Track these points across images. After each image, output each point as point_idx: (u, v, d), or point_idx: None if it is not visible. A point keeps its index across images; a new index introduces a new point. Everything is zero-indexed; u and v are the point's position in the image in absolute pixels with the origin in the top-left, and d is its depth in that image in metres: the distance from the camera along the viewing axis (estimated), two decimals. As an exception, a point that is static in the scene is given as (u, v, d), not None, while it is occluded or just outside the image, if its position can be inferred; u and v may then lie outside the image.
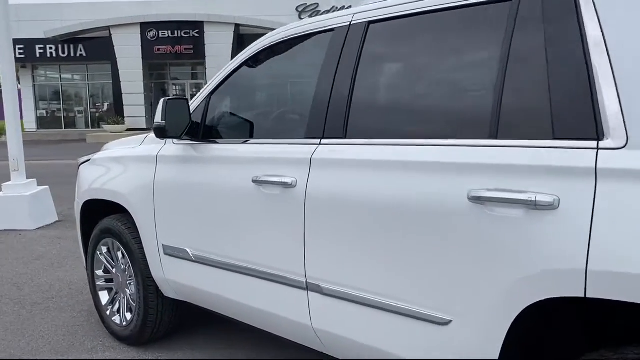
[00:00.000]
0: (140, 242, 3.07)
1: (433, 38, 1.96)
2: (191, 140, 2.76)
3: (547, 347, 1.73)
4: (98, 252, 3.46)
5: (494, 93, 1.72)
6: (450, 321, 1.75)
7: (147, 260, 3.05)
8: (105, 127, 26.03)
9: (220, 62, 25.65)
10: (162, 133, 2.63)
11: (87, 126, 28.69)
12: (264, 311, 2.42)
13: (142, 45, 25.93)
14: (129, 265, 3.22)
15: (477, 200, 1.65)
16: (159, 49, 26.01)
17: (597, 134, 1.49)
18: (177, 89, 28.98)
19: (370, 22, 2.14)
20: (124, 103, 26.56)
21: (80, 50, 26.90)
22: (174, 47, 26.00)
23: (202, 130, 2.74)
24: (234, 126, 2.77)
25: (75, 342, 3.40)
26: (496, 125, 1.70)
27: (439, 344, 1.80)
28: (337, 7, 24.44)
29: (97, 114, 28.89)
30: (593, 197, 1.44)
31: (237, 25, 25.75)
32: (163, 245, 2.89)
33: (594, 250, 1.42)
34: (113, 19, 25.57)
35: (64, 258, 5.28)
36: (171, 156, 2.85)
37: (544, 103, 1.60)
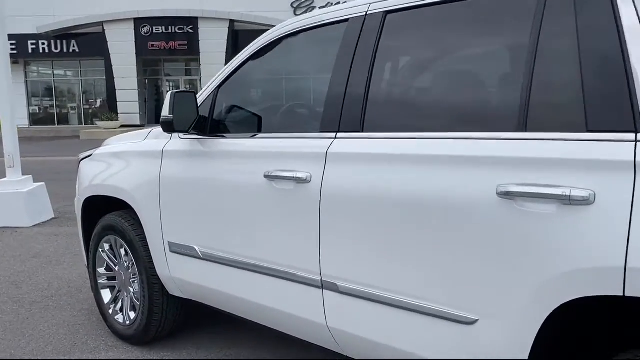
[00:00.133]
0: (145, 240, 3.00)
1: (455, 27, 1.90)
2: (198, 134, 2.69)
3: (578, 346, 1.68)
4: (100, 250, 3.38)
5: (522, 84, 1.66)
6: (476, 320, 1.69)
7: (151, 258, 2.97)
8: (99, 123, 25.82)
9: (214, 58, 25.51)
10: (169, 127, 2.55)
11: (80, 123, 28.45)
12: (276, 310, 2.36)
13: (135, 41, 25.74)
14: (133, 263, 3.14)
15: (506, 195, 1.59)
16: (152, 45, 25.83)
17: (635, 125, 1.43)
18: (171, 85, 28.81)
19: (387, 12, 2.07)
20: (117, 99, 26.36)
21: (73, 46, 26.66)
22: (168, 43, 25.83)
23: (210, 125, 2.67)
24: (243, 120, 2.69)
25: (77, 341, 3.32)
26: (525, 118, 1.64)
27: (464, 343, 1.74)
28: (332, 2, 24.37)
29: (91, 111, 28.65)
30: (632, 191, 1.39)
31: (231, 21, 25.61)
32: (169, 242, 2.82)
33: (633, 246, 1.36)
34: (106, 14, 25.31)
35: (61, 255, 5.19)
36: (178, 151, 2.78)
37: (576, 94, 1.55)
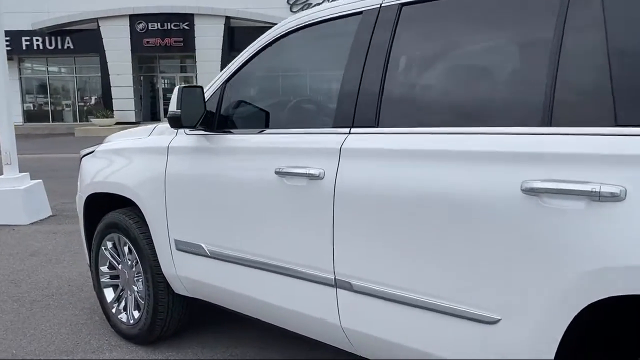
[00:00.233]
0: (150, 237, 2.94)
1: (475, 19, 1.84)
2: (205, 130, 2.63)
3: (606, 347, 1.64)
4: (103, 248, 3.32)
5: (547, 77, 1.61)
6: (499, 320, 1.65)
7: (156, 256, 2.92)
8: (94, 120, 25.67)
9: (210, 55, 25.41)
10: (177, 122, 2.49)
11: (75, 120, 28.27)
12: (287, 309, 2.31)
13: (131, 38, 25.60)
14: (137, 261, 3.09)
15: (531, 191, 1.55)
16: (148, 42, 25.69)
17: None
18: (166, 82, 28.67)
19: (403, 4, 2.02)
20: (112, 96, 26.20)
21: (68, 43, 26.48)
22: (163, 39, 25.70)
23: (217, 120, 2.61)
24: (251, 116, 2.64)
25: (80, 341, 3.27)
26: (549, 112, 1.60)
27: (484, 343, 1.70)
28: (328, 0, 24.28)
29: (86, 108, 28.48)
30: None
31: (227, 18, 25.49)
32: (175, 240, 2.77)
33: None
34: (101, 10, 25.16)
35: (60, 253, 5.12)
36: (184, 147, 2.72)
37: (604, 87, 1.50)
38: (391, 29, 2.02)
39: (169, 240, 2.80)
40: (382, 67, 2.01)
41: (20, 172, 6.69)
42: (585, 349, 1.63)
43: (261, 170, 2.31)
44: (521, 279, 1.59)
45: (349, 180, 2.01)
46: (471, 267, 1.69)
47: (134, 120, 26.18)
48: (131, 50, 25.76)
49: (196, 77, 26.57)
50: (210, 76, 25.63)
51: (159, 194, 2.79)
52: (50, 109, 28.56)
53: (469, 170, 1.70)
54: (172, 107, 2.47)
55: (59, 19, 25.37)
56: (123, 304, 3.29)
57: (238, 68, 2.59)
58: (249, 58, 2.55)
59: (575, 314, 1.49)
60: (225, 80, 2.63)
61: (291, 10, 25.66)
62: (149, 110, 28.40)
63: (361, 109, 2.05)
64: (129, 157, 3.05)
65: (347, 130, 2.09)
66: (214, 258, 2.57)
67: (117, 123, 25.25)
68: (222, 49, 25.57)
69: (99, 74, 26.68)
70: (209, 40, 25.47)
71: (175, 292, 2.96)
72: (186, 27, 25.60)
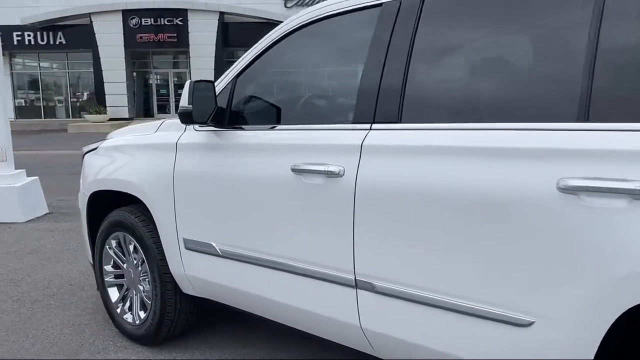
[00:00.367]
0: (157, 236, 2.87)
1: (506, 8, 1.77)
2: (215, 126, 2.56)
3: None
4: (107, 247, 3.25)
5: (584, 70, 1.55)
6: (532, 323, 1.59)
7: (164, 255, 2.85)
8: (87, 116, 25.44)
9: (204, 50, 25.24)
10: (188, 118, 2.42)
11: (67, 116, 28.00)
12: (303, 310, 2.25)
13: (124, 33, 25.37)
14: (143, 260, 3.01)
15: (568, 189, 1.49)
16: (141, 37, 25.47)
17: None
18: (159, 78, 28.46)
19: None
20: (105, 92, 25.96)
21: (60, 38, 26.22)
22: (157, 35, 25.49)
23: (228, 116, 2.54)
24: (264, 111, 2.56)
25: (84, 342, 3.19)
26: (586, 107, 1.54)
27: (517, 346, 1.64)
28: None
29: (78, 104, 28.22)
30: None
31: (221, 13, 25.31)
32: (184, 239, 2.69)
33: None
34: (94, 5, 24.91)
35: (59, 252, 5.04)
36: (194, 144, 2.65)
37: None
38: (414, 20, 1.95)
39: (178, 239, 2.73)
40: (404, 60, 1.95)
41: (15, 168, 6.58)
42: (631, 353, 1.58)
43: (276, 167, 2.24)
44: (556, 280, 1.53)
45: (371, 178, 1.94)
46: (503, 267, 1.64)
47: (127, 116, 25.98)
48: (124, 45, 25.53)
49: (190, 72, 26.39)
50: (205, 72, 25.32)
51: (167, 191, 2.72)
52: (42, 105, 28.27)
53: (501, 167, 1.64)
54: (183, 102, 2.39)
55: (51, 14, 25.09)
56: (128, 304, 3.21)
57: (249, 62, 2.51)
58: (261, 52, 2.48)
59: (615, 318, 1.43)
60: (236, 75, 2.56)
61: (285, 6, 25.54)
62: (142, 106, 28.18)
63: (383, 104, 1.98)
64: (135, 153, 2.97)
65: (367, 126, 2.02)
66: (226, 257, 2.50)
67: (110, 119, 25.06)
68: (216, 45, 25.40)
69: (92, 70, 26.43)
70: (202, 35, 25.29)
71: (183, 291, 2.89)
72: (180, 23, 25.40)
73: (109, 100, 25.92)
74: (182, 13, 25.27)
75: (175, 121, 2.93)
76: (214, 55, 25.39)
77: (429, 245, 1.80)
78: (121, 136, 3.29)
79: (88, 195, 3.28)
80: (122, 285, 3.25)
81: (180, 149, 2.69)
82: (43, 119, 27.64)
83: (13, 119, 26.81)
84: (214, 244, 2.54)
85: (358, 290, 2.02)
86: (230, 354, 3.00)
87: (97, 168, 3.22)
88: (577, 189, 1.48)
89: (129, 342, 3.16)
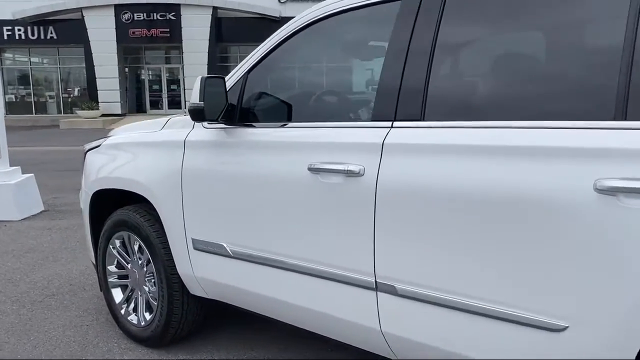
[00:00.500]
0: (163, 236, 2.80)
1: (539, 1, 1.71)
2: (226, 123, 2.49)
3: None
4: (111, 246, 3.17)
5: (621, 66, 1.50)
6: (566, 327, 1.54)
7: (171, 256, 2.77)
8: (79, 112, 25.19)
9: (197, 46, 25.05)
10: (199, 115, 2.34)
11: (59, 112, 27.73)
12: (320, 312, 2.19)
13: (116, 28, 25.12)
14: (149, 261, 2.94)
15: (606, 190, 1.44)
16: (134, 32, 25.24)
17: None
18: (152, 73, 28.24)
19: None
20: (97, 88, 25.71)
21: (51, 33, 25.93)
22: (149, 30, 25.26)
23: (239, 113, 2.47)
24: (277, 108, 2.48)
25: (87, 343, 3.12)
26: (624, 105, 1.48)
27: (548, 352, 1.59)
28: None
29: (70, 99, 27.95)
30: None
31: (214, 8, 25.12)
32: (193, 239, 2.62)
33: None
34: (85, -1, 24.69)
35: (57, 251, 4.94)
36: (203, 141, 2.57)
37: None
38: (438, 10, 1.88)
39: (186, 239, 2.66)
40: (428, 54, 1.88)
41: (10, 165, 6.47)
42: None
43: (292, 166, 2.17)
44: (593, 284, 1.48)
45: (394, 177, 1.88)
46: (535, 271, 1.58)
47: (119, 112, 25.78)
48: (116, 41, 25.28)
49: (183, 68, 26.21)
50: (198, 68, 25.15)
51: (175, 190, 2.65)
52: (33, 101, 27.97)
53: (532, 168, 1.59)
54: (194, 99, 2.32)
55: (42, 9, 24.81)
56: (133, 305, 3.14)
57: (262, 57, 2.43)
58: (274, 47, 2.40)
59: None
60: (247, 71, 2.48)
61: (279, 1, 25.39)
62: (135, 102, 27.97)
63: (405, 101, 1.92)
64: (141, 151, 2.89)
65: (388, 124, 1.96)
66: (238, 258, 2.44)
67: (103, 115, 24.85)
68: (210, 40, 25.22)
69: (84, 65, 26.17)
70: (195, 31, 25.09)
71: (191, 293, 2.82)
72: (172, 18, 25.19)
73: (101, 96, 25.68)
74: (175, 8, 25.06)
75: (182, 118, 2.86)
76: (207, 50, 25.21)
77: (456, 247, 1.74)
78: (124, 133, 3.20)
79: (91, 194, 3.20)
80: (127, 286, 3.17)
81: (189, 146, 2.62)
82: (34, 114, 27.36)
83: (3, 115, 26.52)
84: (224, 245, 2.48)
85: (378, 292, 1.96)
86: (238, 355, 2.94)
87: (100, 166, 3.14)
88: (615, 190, 1.43)
89: (134, 344, 3.09)
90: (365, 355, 2.25)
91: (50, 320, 3.44)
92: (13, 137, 16.20)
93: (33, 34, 25.99)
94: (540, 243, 1.57)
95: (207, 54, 25.18)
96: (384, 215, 1.90)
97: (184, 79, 26.27)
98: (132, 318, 3.12)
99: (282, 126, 2.36)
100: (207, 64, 24.98)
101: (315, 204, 2.11)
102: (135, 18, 25.07)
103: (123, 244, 3.13)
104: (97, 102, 25.47)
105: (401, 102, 1.93)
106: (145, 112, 27.35)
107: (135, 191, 2.87)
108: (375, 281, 1.96)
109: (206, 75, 2.33)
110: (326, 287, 2.12)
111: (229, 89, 2.49)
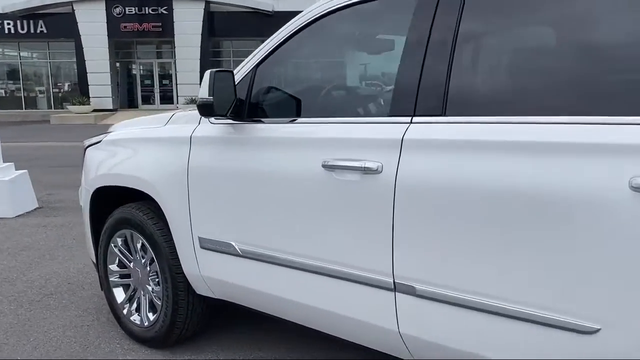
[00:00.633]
0: (168, 234, 2.72)
1: None
2: (234, 119, 2.41)
3: None
4: (112, 245, 3.09)
5: None
6: (598, 330, 1.49)
7: (176, 254, 2.70)
8: (70, 107, 24.94)
9: (189, 40, 24.85)
10: (208, 110, 2.26)
11: (49, 107, 27.41)
12: (334, 313, 2.13)
13: (107, 22, 24.85)
14: (152, 260, 2.87)
15: (643, 188, 1.39)
16: (125, 27, 24.98)
17: None
18: (143, 68, 28.00)
19: None
20: (89, 83, 25.46)
21: (41, 27, 25.61)
22: (141, 24, 25.01)
23: (248, 108, 2.40)
24: (288, 103, 2.40)
25: (89, 344, 3.04)
26: None
27: (578, 354, 1.54)
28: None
29: (60, 94, 27.65)
30: None
31: (207, 2, 24.92)
32: (199, 238, 2.55)
33: None
34: (76, -7, 24.39)
35: (53, 249, 4.85)
36: (210, 137, 2.50)
37: None
38: (460, 1, 1.81)
39: (192, 238, 2.59)
40: (449, 46, 1.81)
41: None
42: None
43: (305, 163, 2.11)
44: (627, 285, 1.43)
45: (413, 174, 1.82)
46: (565, 272, 1.53)
47: (111, 107, 25.56)
48: (107, 35, 25.03)
49: (175, 63, 26.00)
50: (190, 62, 24.99)
51: (181, 187, 2.57)
52: (23, 96, 27.64)
53: (562, 165, 1.53)
54: (203, 93, 2.24)
55: (32, 2, 24.51)
56: (135, 304, 3.07)
57: (271, 50, 2.36)
58: (285, 39, 2.32)
59: None
60: (256, 65, 2.41)
61: (273, -4, 25.22)
62: (126, 97, 27.73)
63: (425, 95, 1.85)
64: (144, 147, 2.81)
65: (407, 119, 1.89)
66: (247, 257, 2.37)
67: (94, 110, 24.61)
68: (202, 35, 25.02)
69: (74, 60, 25.89)
70: (188, 25, 24.88)
71: (197, 292, 2.75)
72: (164, 12, 24.95)
73: (92, 90, 25.43)
74: (167, 2, 24.82)
75: (186, 113, 2.78)
76: (199, 45, 25.01)
77: (480, 247, 1.68)
78: (125, 129, 3.12)
79: (91, 192, 3.12)
80: (129, 285, 3.10)
81: (196, 142, 2.54)
82: (24, 110, 27.05)
83: (-7, 110, 26.26)
84: (233, 244, 2.41)
85: (397, 293, 1.91)
86: (243, 355, 2.88)
87: (101, 163, 3.06)
88: (653, 188, 1.38)
89: (137, 345, 3.02)
90: (375, 355, 2.20)
91: (50, 320, 3.36)
92: (3, 132, 16.01)
93: (23, 28, 25.67)
94: (571, 243, 1.52)
95: (199, 48, 24.98)
96: (403, 213, 1.84)
97: (176, 74, 26.07)
98: (135, 318, 3.04)
99: (293, 121, 2.29)
100: (200, 59, 24.79)
101: (329, 201, 2.04)
102: (127, 12, 24.81)
103: (125, 242, 3.05)
104: (88, 97, 25.23)
105: (421, 96, 1.86)
106: (137, 107, 27.13)
107: (139, 188, 2.80)
108: (394, 281, 1.90)
109: (215, 69, 2.25)
110: (341, 287, 2.06)
111: (237, 83, 2.41)
